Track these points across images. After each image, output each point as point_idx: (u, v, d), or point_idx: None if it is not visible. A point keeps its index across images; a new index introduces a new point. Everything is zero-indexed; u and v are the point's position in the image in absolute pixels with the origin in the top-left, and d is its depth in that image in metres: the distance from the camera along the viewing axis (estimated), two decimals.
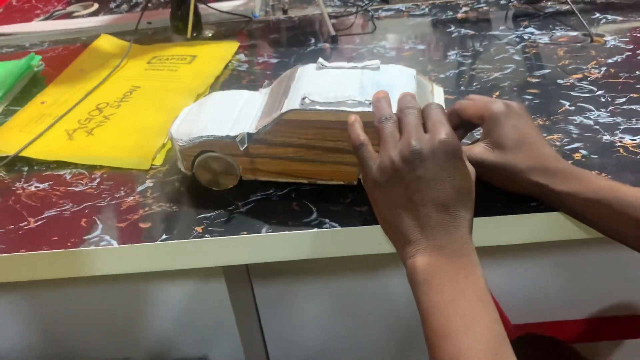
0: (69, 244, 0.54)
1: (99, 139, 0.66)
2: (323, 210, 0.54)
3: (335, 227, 0.52)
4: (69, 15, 1.08)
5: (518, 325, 0.90)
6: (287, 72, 0.58)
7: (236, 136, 0.54)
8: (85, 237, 0.54)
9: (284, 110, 0.51)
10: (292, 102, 0.51)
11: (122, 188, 0.60)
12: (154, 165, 0.63)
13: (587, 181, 0.46)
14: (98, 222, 0.56)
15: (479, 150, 0.49)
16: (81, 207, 0.58)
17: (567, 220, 0.50)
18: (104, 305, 0.66)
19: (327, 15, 0.84)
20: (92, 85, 0.77)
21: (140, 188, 0.60)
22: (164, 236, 0.53)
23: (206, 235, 0.53)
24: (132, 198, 0.59)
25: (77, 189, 0.61)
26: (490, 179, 0.50)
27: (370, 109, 0.49)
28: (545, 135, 0.61)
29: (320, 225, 0.53)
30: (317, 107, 0.50)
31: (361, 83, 0.52)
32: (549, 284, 0.76)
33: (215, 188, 0.58)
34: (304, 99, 0.50)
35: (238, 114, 0.57)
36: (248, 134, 0.53)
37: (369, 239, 0.53)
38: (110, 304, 0.66)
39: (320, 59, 0.56)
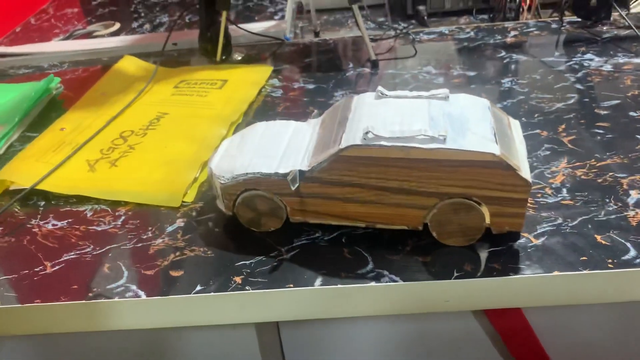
0: (90, 294, 0.47)
1: (123, 171, 0.60)
2: (379, 260, 0.47)
3: (396, 281, 0.45)
4: (89, 35, 1.03)
5: None
6: (341, 101, 0.52)
7: (286, 174, 0.47)
8: (109, 287, 0.48)
9: (343, 145, 0.45)
10: (351, 137, 0.45)
11: (150, 228, 0.54)
12: (184, 202, 0.56)
13: None
14: (123, 268, 0.50)
15: None
16: (104, 249, 0.52)
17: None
18: (126, 353, 0.59)
19: (368, 37, 0.78)
20: (115, 110, 0.71)
21: (170, 229, 0.53)
22: (198, 287, 0.47)
23: (247, 288, 0.46)
24: (161, 240, 0.52)
25: (99, 229, 0.54)
26: None
27: (445, 146, 0.43)
28: (625, 175, 0.54)
29: (378, 278, 0.46)
30: (383, 143, 0.43)
31: (430, 115, 0.46)
32: (600, 336, 0.69)
33: (255, 229, 0.51)
34: (366, 133, 0.44)
35: (285, 148, 0.50)
36: (300, 171, 0.47)
37: (436, 296, 0.46)
38: (132, 350, 0.59)
39: (380, 87, 0.50)
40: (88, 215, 0.56)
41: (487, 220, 0.46)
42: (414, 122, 0.45)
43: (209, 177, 0.52)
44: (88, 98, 0.76)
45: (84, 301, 0.47)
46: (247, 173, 0.48)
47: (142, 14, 1.11)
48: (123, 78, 0.80)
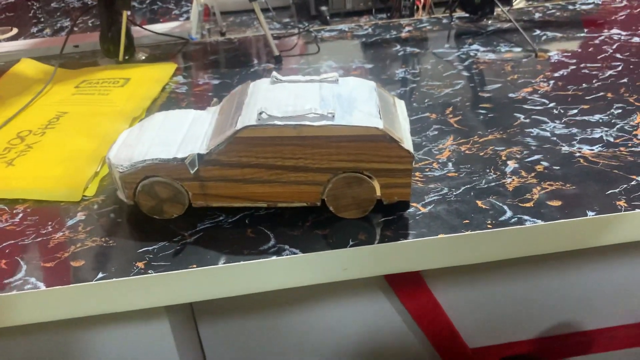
0: None
1: (20, 169, 0.59)
2: (281, 236, 0.50)
3: (296, 253, 0.48)
4: None
5: (476, 350, 0.87)
6: (238, 87, 0.54)
7: (184, 158, 0.48)
8: (7, 281, 0.47)
9: (238, 127, 0.46)
10: (247, 118, 0.47)
11: (50, 223, 0.53)
12: (85, 196, 0.56)
13: None
14: (21, 262, 0.49)
15: None
16: (1, 246, 0.51)
17: (515, 237, 0.48)
18: (34, 357, 0.57)
19: (271, 35, 0.81)
20: (11, 112, 0.69)
21: (70, 222, 0.53)
22: (100, 274, 0.47)
23: (149, 271, 0.47)
24: (61, 234, 0.52)
25: None
26: None
27: (333, 123, 0.45)
28: (504, 148, 0.59)
29: (279, 252, 0.48)
30: (276, 122, 0.46)
31: (321, 96, 0.48)
32: (500, 305, 0.74)
33: (158, 217, 0.52)
34: (260, 114, 0.46)
35: (185, 134, 0.51)
36: (198, 155, 0.48)
37: (334, 265, 0.48)
38: (37, 357, 0.57)
39: (275, 73, 0.52)
40: None
41: (378, 192, 0.49)
42: (306, 102, 0.47)
43: (109, 168, 0.52)
44: None
45: None
46: (145, 160, 0.49)
47: (42, 19, 1.08)
48: (20, 80, 0.78)
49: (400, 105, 0.54)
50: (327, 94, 0.49)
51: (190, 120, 0.54)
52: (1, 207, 0.56)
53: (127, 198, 0.51)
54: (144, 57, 0.86)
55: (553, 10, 0.95)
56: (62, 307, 0.47)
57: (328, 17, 1.03)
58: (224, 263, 0.47)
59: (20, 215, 0.54)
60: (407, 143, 0.48)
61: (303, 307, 0.64)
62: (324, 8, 1.05)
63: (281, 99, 0.49)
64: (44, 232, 0.52)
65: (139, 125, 0.55)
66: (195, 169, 0.48)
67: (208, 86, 0.77)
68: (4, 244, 0.51)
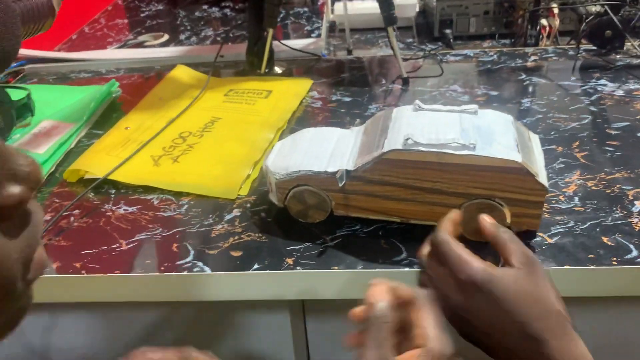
0: (162, 268, 0.55)
1: (184, 166, 0.68)
2: (412, 250, 0.55)
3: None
4: (140, 45, 1.12)
5: None
6: (382, 112, 0.60)
7: (335, 172, 0.55)
8: (178, 262, 0.55)
9: (385, 149, 0.52)
10: (393, 142, 0.52)
11: (210, 216, 0.61)
12: (239, 195, 0.64)
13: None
14: (189, 247, 0.57)
15: None
16: (171, 232, 0.60)
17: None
18: (167, 329, 0.66)
19: (401, 57, 0.86)
20: (173, 113, 0.79)
21: (228, 217, 0.61)
22: (255, 265, 0.54)
23: (297, 268, 0.54)
24: (221, 226, 0.60)
25: (165, 214, 0.62)
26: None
27: (474, 153, 0.50)
28: (631, 187, 0.61)
29: (410, 265, 0.53)
30: (420, 148, 0.51)
31: (461, 127, 0.53)
32: (601, 343, 0.74)
33: (302, 220, 0.59)
34: (407, 139, 0.51)
35: (332, 150, 0.58)
36: (346, 170, 0.54)
37: None
38: (167, 329, 0.66)
39: (417, 101, 0.57)
40: (155, 203, 0.64)
41: (508, 219, 0.53)
42: (448, 132, 0.52)
43: (264, 173, 0.60)
44: (147, 101, 0.84)
45: (157, 273, 0.54)
46: (299, 170, 0.56)
47: (188, 27, 1.20)
48: (177, 85, 0.89)
49: (535, 140, 0.57)
50: (468, 125, 0.54)
51: (336, 138, 0.61)
52: (169, 197, 0.65)
53: (279, 201, 0.59)
54: (280, 71, 0.95)
55: None
56: (225, 290, 0.55)
57: (451, 40, 1.07)
58: (362, 268, 0.53)
59: (185, 206, 0.63)
60: (542, 177, 0.51)
61: None
62: (447, 31, 1.09)
63: (424, 126, 0.54)
64: (206, 223, 0.60)
65: (291, 138, 0.63)
66: (343, 182, 0.54)
67: (340, 103, 0.84)
68: (174, 230, 0.60)
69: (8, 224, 0.24)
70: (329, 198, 0.57)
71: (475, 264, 0.42)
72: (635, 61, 0.89)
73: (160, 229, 0.60)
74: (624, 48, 0.92)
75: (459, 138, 0.51)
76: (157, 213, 0.63)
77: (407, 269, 0.53)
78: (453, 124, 0.54)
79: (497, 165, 0.50)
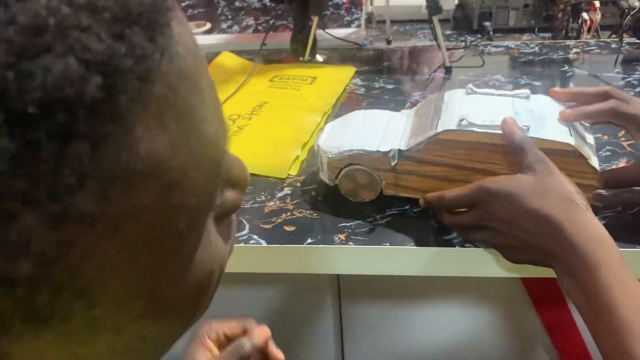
0: None
1: (235, 146, 0.70)
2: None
3: (477, 246, 0.54)
4: None
5: None
6: (434, 95, 0.61)
7: (387, 152, 0.56)
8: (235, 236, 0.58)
9: (439, 129, 0.54)
10: (447, 123, 0.54)
11: (263, 193, 0.63)
12: (289, 174, 0.66)
13: None
14: (244, 222, 0.59)
15: None
16: None
17: None
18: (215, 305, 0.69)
19: (444, 47, 0.88)
20: (221, 97, 0.81)
21: (279, 194, 0.63)
22: (309, 240, 0.56)
23: (349, 243, 0.56)
24: (273, 203, 0.62)
25: None
26: None
27: (529, 135, 0.51)
28: None
29: (461, 244, 0.55)
30: (474, 129, 0.52)
31: (514, 109, 0.54)
32: None
33: (352, 199, 0.61)
34: (461, 120, 0.53)
35: (384, 131, 0.60)
36: (399, 150, 0.56)
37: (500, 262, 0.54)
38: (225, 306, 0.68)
39: (470, 85, 0.59)
40: None
41: None
42: (501, 114, 0.53)
43: (316, 153, 0.61)
44: None
45: None
46: (352, 149, 0.58)
47: (229, 17, 1.22)
48: (224, 71, 0.91)
49: (587, 128, 0.58)
50: (520, 109, 0.55)
51: (387, 119, 0.62)
52: None
53: (330, 180, 0.60)
54: (321, 59, 0.97)
55: None
56: (279, 262, 0.57)
57: (491, 32, 1.08)
58: (413, 245, 0.55)
59: None
60: (594, 161, 0.52)
61: (438, 303, 0.70)
62: (487, 23, 1.10)
63: (477, 108, 0.55)
64: (259, 200, 0.63)
65: (342, 119, 0.64)
66: (395, 162, 0.56)
67: (383, 90, 0.85)
68: None
69: (222, 227, 0.24)
70: (379, 177, 0.58)
71: (487, 181, 0.49)
72: None
73: None
74: None
75: None
76: None
77: (457, 248, 0.54)
78: (506, 107, 0.55)
79: (550, 147, 0.51)
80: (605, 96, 0.54)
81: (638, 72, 0.84)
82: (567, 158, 0.51)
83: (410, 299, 0.71)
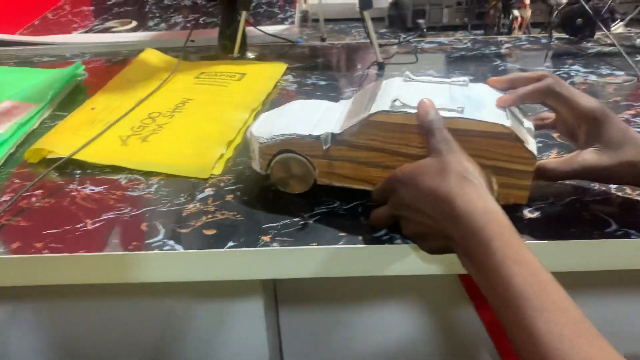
0: (130, 247, 0.52)
1: (154, 146, 0.65)
2: (392, 226, 0.53)
3: (407, 242, 0.51)
4: (107, 31, 1.08)
5: None
6: (372, 84, 0.58)
7: (319, 136, 0.53)
8: (147, 241, 0.53)
9: (372, 111, 0.51)
10: (381, 105, 0.51)
11: (182, 195, 0.59)
12: (213, 174, 0.62)
13: None
14: (160, 226, 0.54)
15: (592, 156, 0.50)
16: (140, 211, 0.57)
17: None
18: (131, 320, 0.63)
19: (377, 43, 0.85)
20: (142, 95, 0.76)
21: (200, 196, 0.59)
22: (230, 243, 0.52)
23: (274, 245, 0.52)
24: (193, 205, 0.57)
25: (134, 194, 0.59)
26: (603, 180, 0.55)
27: (462, 116, 0.49)
28: None
29: (391, 240, 0.52)
30: (408, 110, 0.50)
31: (451, 95, 0.52)
32: None
33: (281, 188, 0.57)
34: (394, 101, 0.50)
35: (320, 117, 0.57)
36: (332, 134, 0.53)
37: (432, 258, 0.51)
38: (137, 319, 0.63)
39: (407, 72, 0.56)
40: (123, 183, 0.61)
41: (496, 190, 0.52)
42: (436, 98, 0.51)
43: (248, 141, 0.57)
44: (115, 83, 0.81)
45: (125, 252, 0.51)
46: (284, 134, 0.54)
47: (157, 14, 1.17)
48: (147, 67, 0.86)
49: (525, 113, 0.57)
50: (457, 95, 0.53)
51: (324, 107, 0.59)
52: (138, 178, 0.62)
53: (261, 168, 0.57)
54: (253, 56, 0.93)
55: None
56: (198, 269, 0.52)
57: (425, 30, 1.07)
58: (341, 244, 0.52)
59: (155, 186, 0.61)
60: (531, 146, 0.50)
61: (375, 303, 0.67)
62: (421, 21, 1.09)
63: (414, 93, 0.53)
64: (177, 202, 0.58)
65: (278, 108, 0.61)
66: (328, 145, 0.53)
67: (316, 86, 0.82)
68: (143, 209, 0.57)
69: None
70: (312, 166, 0.55)
71: (398, 169, 0.48)
72: (606, 49, 0.90)
73: (129, 208, 0.57)
74: (595, 36, 0.93)
75: (447, 104, 0.50)
76: (125, 193, 0.60)
77: (387, 245, 0.51)
78: (443, 92, 0.53)
79: (485, 130, 0.49)
80: (541, 79, 0.53)
81: (567, 66, 0.85)
82: (502, 141, 0.49)
83: (351, 301, 0.67)
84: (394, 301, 0.67)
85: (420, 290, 0.66)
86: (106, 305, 0.63)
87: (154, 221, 0.55)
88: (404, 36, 1.03)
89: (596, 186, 0.57)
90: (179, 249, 0.52)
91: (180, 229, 0.54)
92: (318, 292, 0.68)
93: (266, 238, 0.52)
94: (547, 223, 0.53)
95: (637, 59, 0.86)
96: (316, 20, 1.13)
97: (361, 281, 0.64)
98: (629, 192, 0.56)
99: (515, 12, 1.01)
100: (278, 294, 0.69)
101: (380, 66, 0.87)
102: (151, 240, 0.53)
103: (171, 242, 0.52)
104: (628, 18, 1.02)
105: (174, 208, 0.57)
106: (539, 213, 0.54)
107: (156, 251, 0.51)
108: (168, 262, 0.52)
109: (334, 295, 0.67)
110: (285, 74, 0.86)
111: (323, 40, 1.06)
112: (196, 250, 0.51)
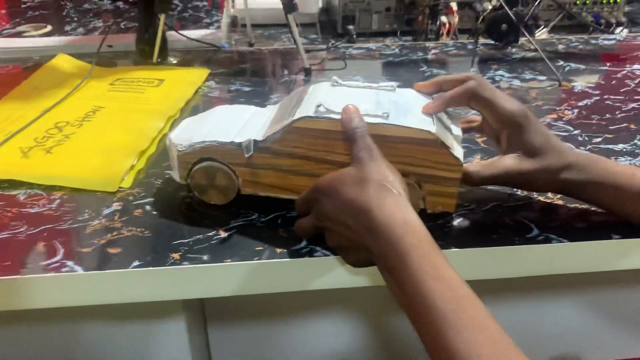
0: (24, 269, 0.47)
1: (58, 158, 0.60)
2: (314, 238, 0.50)
3: (327, 255, 0.49)
4: (18, 35, 1.01)
5: None
6: (299, 88, 0.56)
7: (241, 143, 0.50)
8: (44, 263, 0.48)
9: (296, 117, 0.48)
10: (305, 110, 0.49)
11: (86, 211, 0.54)
12: (122, 187, 0.57)
13: (604, 167, 0.49)
14: (59, 246, 0.50)
15: (513, 162, 0.49)
16: (38, 229, 0.52)
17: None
18: (41, 348, 0.58)
19: (303, 47, 0.83)
20: (49, 103, 0.71)
21: (106, 211, 0.54)
22: (136, 262, 0.48)
23: (184, 263, 0.48)
24: (97, 222, 0.53)
25: (32, 211, 0.54)
26: (523, 187, 0.54)
27: (387, 122, 0.47)
28: None
29: (311, 253, 0.49)
30: (332, 116, 0.47)
31: (378, 100, 0.50)
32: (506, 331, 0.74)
33: (199, 196, 0.53)
34: (318, 106, 0.48)
35: (244, 124, 0.54)
36: (254, 141, 0.50)
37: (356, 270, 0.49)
38: (48, 345, 0.58)
39: (335, 77, 0.54)
40: (21, 199, 0.56)
41: (423, 199, 0.50)
42: (362, 104, 0.49)
43: (167, 148, 0.54)
44: (20, 91, 0.75)
45: (16, 276, 0.46)
46: (204, 141, 0.51)
47: (75, 19, 1.10)
48: (57, 74, 0.80)
49: (453, 119, 0.55)
50: (384, 100, 0.51)
51: (250, 113, 0.56)
52: (39, 193, 0.57)
53: (181, 178, 0.53)
54: (175, 61, 0.89)
55: (576, 43, 0.98)
56: (100, 291, 0.48)
57: (354, 36, 1.06)
58: (258, 259, 0.48)
59: (57, 201, 0.56)
60: (458, 152, 0.49)
61: (311, 314, 0.64)
62: (350, 27, 1.08)
63: (339, 98, 0.50)
64: (80, 219, 0.53)
65: (201, 114, 0.58)
66: (250, 153, 0.50)
67: (239, 92, 0.79)
68: (41, 228, 0.52)
69: None
70: (235, 175, 0.51)
71: (320, 178, 0.46)
72: (529, 54, 0.92)
73: (26, 227, 0.52)
74: (519, 42, 0.94)
75: (373, 109, 0.48)
76: (23, 210, 0.54)
77: (307, 258, 0.49)
78: (369, 97, 0.51)
79: (410, 136, 0.47)
80: (466, 80, 0.51)
81: (492, 71, 0.85)
82: (428, 147, 0.48)
83: (282, 316, 0.64)
84: (325, 313, 0.64)
85: (352, 301, 0.64)
86: (11, 332, 0.58)
87: (52, 240, 0.50)
88: (333, 42, 1.01)
89: (518, 191, 0.57)
90: (79, 270, 0.47)
91: (81, 248, 0.49)
92: (247, 308, 0.64)
93: (176, 255, 0.49)
94: (468, 229, 0.52)
95: (559, 64, 0.88)
96: (245, 26, 1.10)
97: (291, 295, 0.61)
98: (550, 196, 0.56)
99: (443, 19, 1.02)
100: (206, 312, 0.65)
101: (307, 72, 0.85)
102: (48, 262, 0.48)
103: (70, 263, 0.48)
104: (551, 25, 1.04)
105: (76, 225, 0.52)
106: (460, 219, 0.53)
107: (52, 274, 0.47)
108: (65, 285, 0.47)
109: (265, 310, 0.64)
110: (207, 79, 0.82)
111: (251, 45, 1.03)
112: (97, 272, 0.47)
